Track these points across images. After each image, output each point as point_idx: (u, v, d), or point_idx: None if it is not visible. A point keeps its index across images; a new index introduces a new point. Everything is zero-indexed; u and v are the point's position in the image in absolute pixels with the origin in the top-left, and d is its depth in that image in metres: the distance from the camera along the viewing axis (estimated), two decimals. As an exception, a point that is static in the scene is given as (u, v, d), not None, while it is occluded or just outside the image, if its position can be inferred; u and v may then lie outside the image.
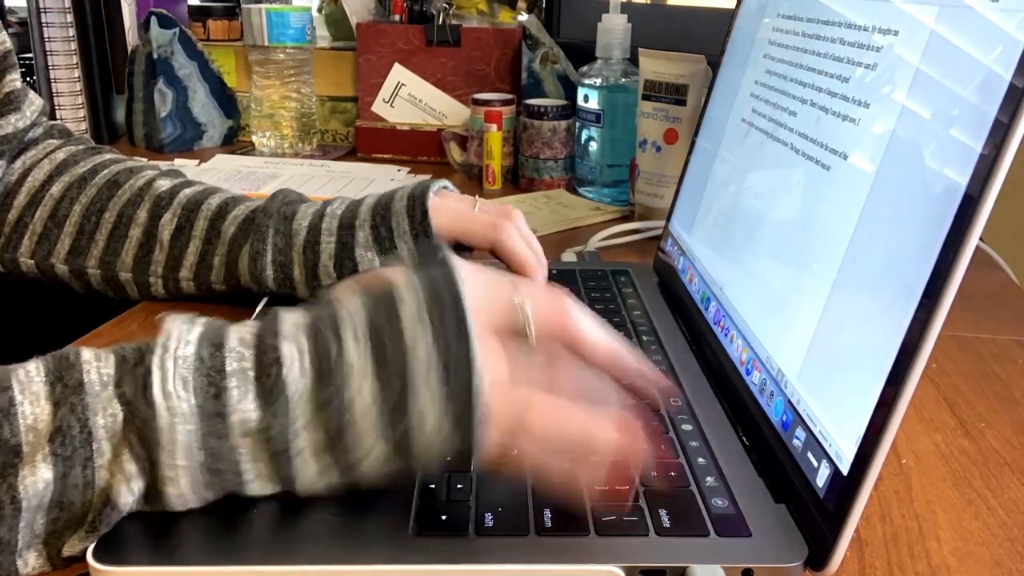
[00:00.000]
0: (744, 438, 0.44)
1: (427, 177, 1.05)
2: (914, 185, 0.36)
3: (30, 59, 1.13)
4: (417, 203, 0.56)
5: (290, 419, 0.35)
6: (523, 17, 1.19)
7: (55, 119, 0.93)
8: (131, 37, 1.20)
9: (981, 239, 0.49)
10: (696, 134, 0.68)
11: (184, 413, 0.34)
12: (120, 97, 1.21)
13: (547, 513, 0.37)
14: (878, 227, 0.38)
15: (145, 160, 0.69)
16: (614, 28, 0.92)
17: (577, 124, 0.98)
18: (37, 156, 0.65)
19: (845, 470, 0.35)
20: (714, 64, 0.68)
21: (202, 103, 1.18)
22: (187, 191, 0.62)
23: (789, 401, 0.41)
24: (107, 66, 1.19)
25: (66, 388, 0.35)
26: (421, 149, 1.15)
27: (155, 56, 1.13)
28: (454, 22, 1.14)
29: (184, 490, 0.35)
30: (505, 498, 0.38)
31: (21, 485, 0.33)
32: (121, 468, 0.34)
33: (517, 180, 1.03)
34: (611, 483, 0.37)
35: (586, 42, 0.97)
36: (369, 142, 1.16)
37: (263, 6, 1.09)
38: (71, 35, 1.13)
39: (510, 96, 1.03)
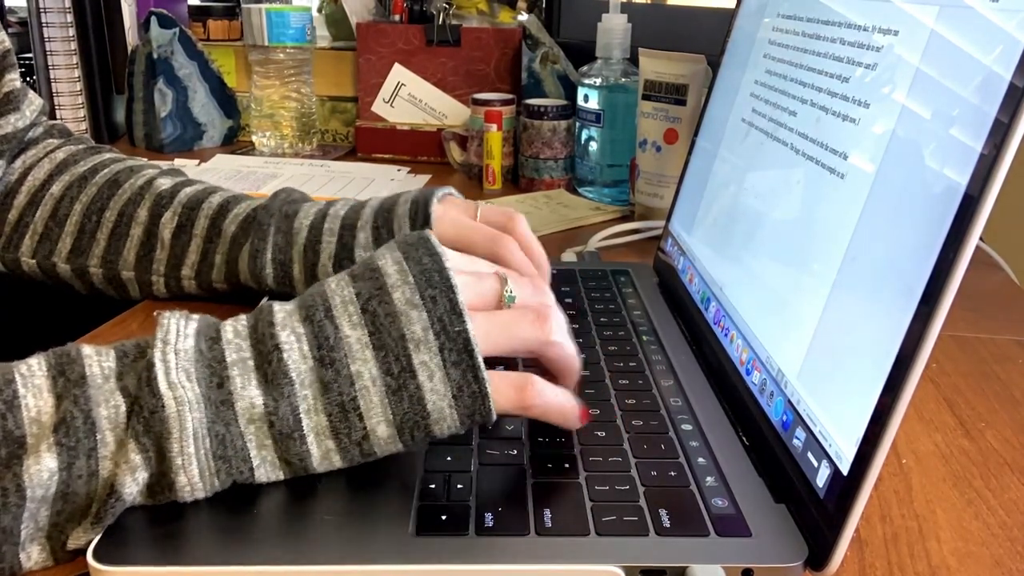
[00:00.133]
0: (744, 438, 0.44)
1: (427, 177, 1.06)
2: (914, 185, 0.36)
3: (30, 59, 1.13)
4: (420, 209, 0.56)
5: (297, 400, 0.37)
6: (523, 17, 1.19)
7: (55, 119, 0.93)
8: (131, 37, 1.20)
9: (981, 239, 0.49)
10: (696, 134, 0.68)
11: (190, 401, 0.35)
12: (120, 97, 1.21)
13: (547, 513, 0.37)
14: (878, 227, 0.38)
15: (145, 160, 0.69)
16: (614, 28, 0.92)
17: (577, 124, 0.98)
18: (37, 156, 0.65)
19: (845, 470, 0.35)
20: (714, 64, 0.68)
21: (202, 103, 1.18)
22: (188, 190, 0.62)
23: (789, 401, 0.41)
24: (107, 66, 1.19)
25: (68, 382, 0.36)
26: (421, 149, 1.15)
27: (155, 56, 1.13)
28: (454, 22, 1.14)
29: (193, 479, 0.36)
30: (505, 498, 0.38)
31: (26, 474, 0.34)
32: (126, 458, 0.35)
33: (517, 180, 1.03)
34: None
35: (586, 42, 0.97)
36: (369, 142, 1.16)
37: (263, 6, 1.09)
38: (71, 35, 1.13)
39: (510, 96, 1.03)
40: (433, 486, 0.39)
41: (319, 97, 1.20)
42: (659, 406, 0.47)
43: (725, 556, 0.35)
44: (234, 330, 0.39)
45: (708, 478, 0.40)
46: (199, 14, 1.31)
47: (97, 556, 0.34)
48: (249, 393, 0.37)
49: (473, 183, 1.04)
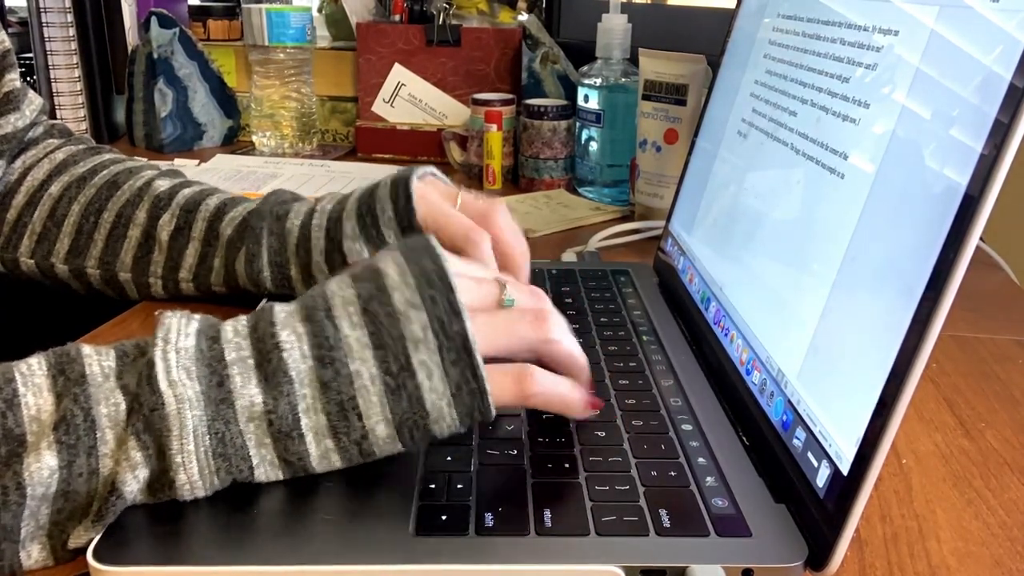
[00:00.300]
0: (744, 438, 0.44)
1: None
2: (914, 185, 0.36)
3: (30, 59, 1.13)
4: (400, 189, 0.54)
5: (296, 399, 0.37)
6: (523, 17, 1.19)
7: (55, 119, 0.93)
8: (131, 37, 1.20)
9: (981, 239, 0.49)
10: (696, 134, 0.68)
11: (190, 399, 0.36)
12: (120, 97, 1.21)
13: (547, 513, 0.37)
14: (878, 227, 0.38)
15: (145, 160, 0.69)
16: (614, 28, 0.92)
17: (577, 124, 0.98)
18: (37, 156, 0.65)
19: (845, 470, 0.35)
20: (714, 64, 0.68)
21: (202, 103, 1.18)
22: (186, 191, 0.62)
23: (789, 401, 0.41)
24: (107, 66, 1.19)
25: (68, 380, 0.36)
26: (421, 149, 1.15)
27: (155, 56, 1.13)
28: (454, 22, 1.14)
29: (193, 477, 0.36)
30: (505, 498, 0.38)
31: (26, 472, 0.34)
32: (127, 456, 0.35)
33: (517, 180, 1.03)
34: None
35: (586, 42, 0.97)
36: (369, 142, 1.16)
37: (263, 6, 1.09)
38: (71, 35, 1.13)
39: (510, 96, 1.03)
40: (433, 486, 0.39)
41: (319, 97, 1.20)
42: (659, 406, 0.47)
43: (725, 556, 0.35)
44: (234, 329, 0.39)
45: (708, 478, 0.40)
46: (199, 14, 1.31)
47: (97, 556, 0.34)
48: (249, 391, 0.37)
49: (473, 183, 1.04)
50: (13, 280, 0.64)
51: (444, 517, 0.37)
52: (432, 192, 0.55)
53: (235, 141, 1.24)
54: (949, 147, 0.34)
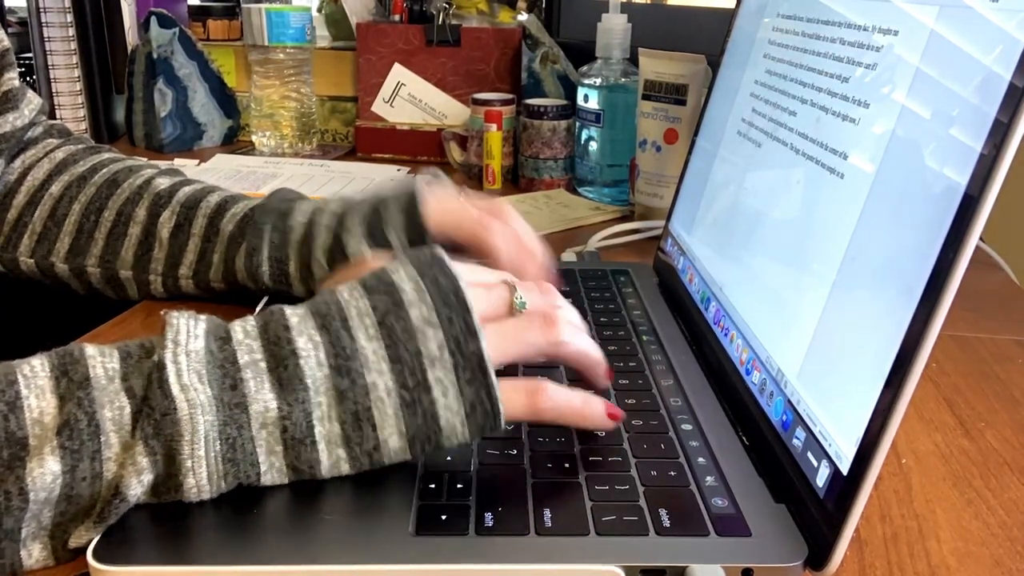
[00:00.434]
0: (744, 438, 0.44)
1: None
2: (914, 185, 0.36)
3: (30, 59, 1.13)
4: (407, 190, 0.56)
5: (311, 406, 0.37)
6: (523, 17, 1.19)
7: (55, 119, 0.93)
8: (131, 37, 1.20)
9: (981, 239, 0.49)
10: (696, 134, 0.68)
11: (202, 404, 0.35)
12: (120, 97, 1.21)
13: (547, 513, 0.37)
14: (878, 227, 0.38)
15: (145, 160, 0.69)
16: (614, 28, 0.92)
17: (577, 124, 0.98)
18: (36, 155, 0.65)
19: (845, 470, 0.35)
20: (714, 64, 0.68)
21: (202, 103, 1.18)
22: (186, 189, 0.62)
23: (789, 401, 0.41)
24: (107, 66, 1.19)
25: (72, 383, 0.36)
26: (421, 149, 1.15)
27: (155, 56, 1.12)
28: (454, 22, 1.14)
29: (201, 481, 0.36)
30: (505, 498, 0.38)
31: (29, 477, 0.34)
32: (132, 460, 0.35)
33: (517, 180, 1.03)
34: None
35: (586, 42, 0.97)
36: (369, 142, 1.16)
37: (263, 6, 1.09)
38: (71, 35, 1.13)
39: (510, 96, 1.03)
40: (433, 486, 0.39)
41: (319, 97, 1.20)
42: (659, 406, 0.47)
43: (725, 556, 0.35)
44: (244, 331, 0.39)
45: (708, 478, 0.40)
46: (199, 14, 1.31)
47: (97, 556, 0.34)
48: (263, 396, 0.37)
49: (473, 183, 1.04)
50: (13, 280, 0.64)
51: (444, 517, 0.37)
52: (440, 193, 0.56)
53: (235, 141, 1.23)
54: (949, 147, 0.34)
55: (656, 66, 0.82)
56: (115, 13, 1.18)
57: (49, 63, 1.13)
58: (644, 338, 0.56)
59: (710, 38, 0.77)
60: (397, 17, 1.16)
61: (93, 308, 0.63)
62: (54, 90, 1.14)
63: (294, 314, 0.39)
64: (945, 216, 0.32)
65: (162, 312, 0.38)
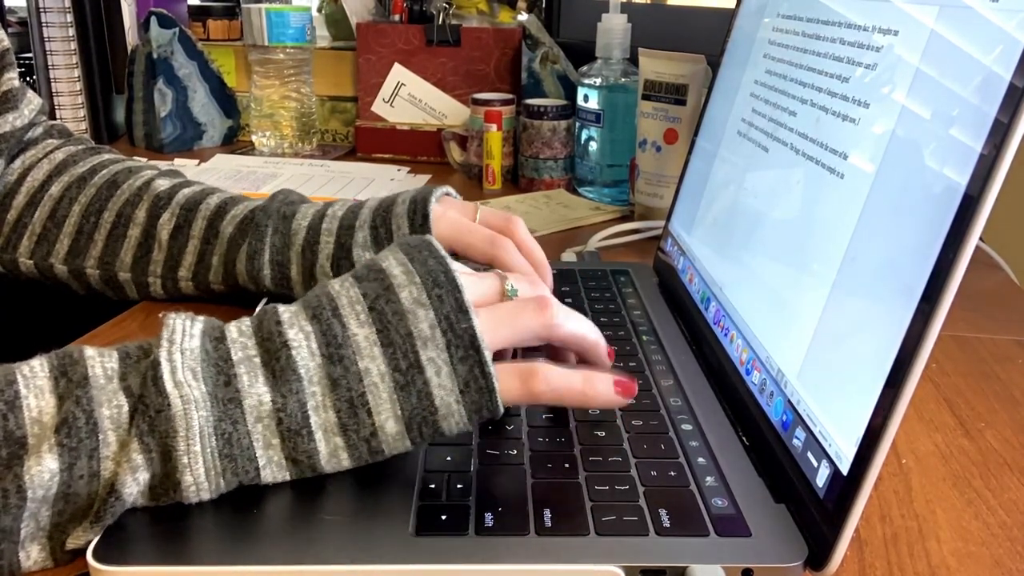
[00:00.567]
0: (744, 438, 0.44)
1: (427, 177, 1.06)
2: (914, 185, 0.36)
3: (30, 59, 1.13)
4: (419, 208, 0.56)
5: (305, 396, 0.37)
6: (523, 17, 1.19)
7: (55, 119, 0.93)
8: (131, 37, 1.20)
9: (981, 239, 0.49)
10: (696, 134, 0.68)
11: (196, 400, 0.35)
12: (120, 97, 1.21)
13: (547, 513, 0.37)
14: (878, 227, 0.38)
15: (144, 160, 0.69)
16: (614, 28, 0.92)
17: (577, 124, 0.98)
18: (36, 156, 0.65)
19: (845, 470, 0.35)
20: (714, 64, 0.68)
21: (202, 103, 1.18)
22: (186, 191, 0.62)
23: (789, 401, 0.41)
24: (107, 66, 1.19)
25: (70, 383, 0.36)
26: (421, 149, 1.15)
27: (155, 56, 1.13)
28: (454, 22, 1.14)
29: (199, 478, 0.36)
30: (505, 498, 0.38)
31: (27, 475, 0.34)
32: (128, 459, 0.35)
33: (517, 180, 1.03)
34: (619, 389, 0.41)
35: (586, 42, 0.97)
36: (369, 142, 1.16)
37: (263, 6, 1.09)
38: (71, 35, 1.13)
39: (510, 96, 1.03)
40: (433, 486, 0.39)
41: (319, 97, 1.20)
42: (659, 406, 0.47)
43: (725, 556, 0.35)
44: (239, 330, 0.39)
45: (708, 478, 0.40)
46: (199, 14, 1.31)
47: (97, 556, 0.34)
48: (257, 390, 0.37)
49: (473, 183, 1.04)
50: (12, 280, 0.64)
51: (444, 517, 0.37)
52: (450, 210, 0.57)
53: (235, 141, 1.24)
54: (949, 147, 0.34)
55: (656, 66, 0.82)
56: (115, 13, 1.18)
57: (49, 63, 1.13)
58: (644, 338, 0.56)
59: (710, 38, 0.77)
60: (397, 17, 1.16)
61: (92, 309, 0.63)
62: (54, 90, 1.14)
63: (287, 310, 0.39)
64: (945, 216, 0.32)
65: (160, 314, 0.39)
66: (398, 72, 1.15)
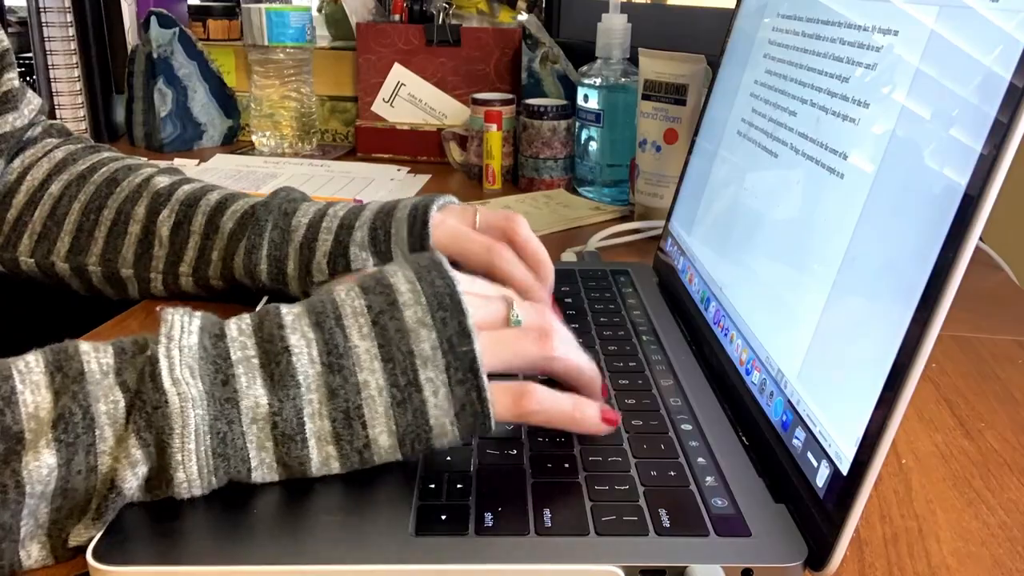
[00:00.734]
0: (744, 438, 0.44)
1: (427, 177, 1.06)
2: (914, 185, 0.36)
3: (30, 59, 1.13)
4: (419, 214, 0.56)
5: (302, 403, 0.37)
6: (523, 17, 1.19)
7: (55, 119, 0.93)
8: (131, 37, 1.20)
9: (981, 239, 0.49)
10: (696, 134, 0.68)
11: (193, 398, 0.35)
12: (120, 97, 1.21)
13: (547, 513, 0.37)
14: (878, 227, 0.38)
15: (144, 159, 0.69)
16: (614, 28, 0.92)
17: (577, 124, 0.98)
18: (36, 155, 0.65)
19: (845, 470, 0.35)
20: (714, 64, 0.68)
21: (202, 103, 1.18)
22: (186, 187, 0.62)
23: (789, 401, 0.41)
24: (107, 66, 1.19)
25: (66, 378, 0.36)
26: (421, 149, 1.15)
27: (155, 56, 1.13)
28: (454, 22, 1.14)
29: (192, 475, 0.36)
30: (505, 498, 0.38)
31: (25, 471, 0.34)
32: (126, 453, 0.35)
33: (517, 180, 1.03)
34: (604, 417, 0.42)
35: (586, 42, 0.97)
36: (369, 142, 1.16)
37: (263, 6, 1.09)
38: (71, 35, 1.13)
39: (510, 96, 1.03)
40: (433, 486, 0.39)
41: (319, 97, 1.20)
42: (659, 406, 0.47)
43: (725, 556, 0.35)
44: (238, 328, 0.39)
45: (708, 478, 0.40)
46: (199, 14, 1.31)
47: (97, 555, 0.34)
48: (255, 392, 0.37)
49: (473, 183, 1.04)
50: (13, 280, 0.64)
51: (444, 517, 0.37)
52: (449, 218, 0.56)
53: (235, 141, 1.24)
54: (949, 147, 0.34)
55: (656, 66, 0.82)
56: (115, 13, 1.18)
57: (49, 63, 1.13)
58: (644, 338, 0.56)
59: (710, 38, 0.77)
60: (397, 17, 1.16)
61: (93, 308, 0.63)
62: (54, 90, 1.14)
63: (289, 312, 0.39)
64: (945, 216, 0.32)
65: (158, 308, 0.39)
66: (398, 72, 1.15)
